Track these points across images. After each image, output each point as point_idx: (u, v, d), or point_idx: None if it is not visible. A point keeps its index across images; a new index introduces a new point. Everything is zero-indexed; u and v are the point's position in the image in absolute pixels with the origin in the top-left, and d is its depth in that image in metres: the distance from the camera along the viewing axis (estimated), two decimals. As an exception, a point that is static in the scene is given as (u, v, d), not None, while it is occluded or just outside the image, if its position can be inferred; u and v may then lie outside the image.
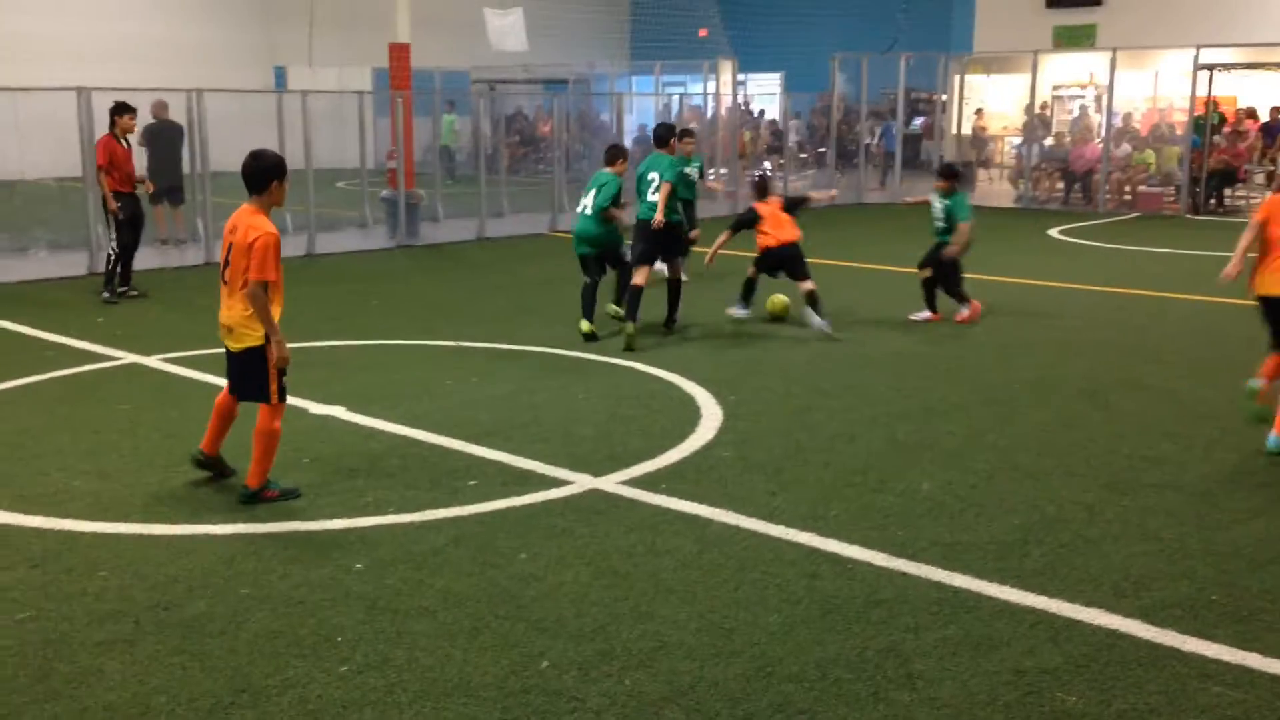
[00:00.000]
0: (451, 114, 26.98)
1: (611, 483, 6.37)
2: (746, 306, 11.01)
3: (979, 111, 26.68)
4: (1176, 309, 11.67)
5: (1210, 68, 20.89)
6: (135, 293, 12.35)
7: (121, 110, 12.07)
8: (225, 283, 5.97)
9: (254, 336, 5.95)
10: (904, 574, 5.16)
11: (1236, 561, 5.30)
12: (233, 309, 5.96)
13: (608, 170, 10.42)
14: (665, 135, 10.83)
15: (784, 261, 10.65)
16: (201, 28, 29.39)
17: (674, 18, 30.12)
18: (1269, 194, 7.42)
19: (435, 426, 7.42)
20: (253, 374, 6.03)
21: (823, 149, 26.78)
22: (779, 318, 11.12)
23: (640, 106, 28.90)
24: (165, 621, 4.73)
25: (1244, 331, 10.40)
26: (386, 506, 6.00)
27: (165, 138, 15.92)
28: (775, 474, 6.54)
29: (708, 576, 5.13)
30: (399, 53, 17.80)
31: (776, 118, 29.88)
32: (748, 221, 10.72)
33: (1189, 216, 20.41)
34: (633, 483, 6.37)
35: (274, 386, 6.03)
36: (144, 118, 16.31)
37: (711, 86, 26.25)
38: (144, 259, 15.18)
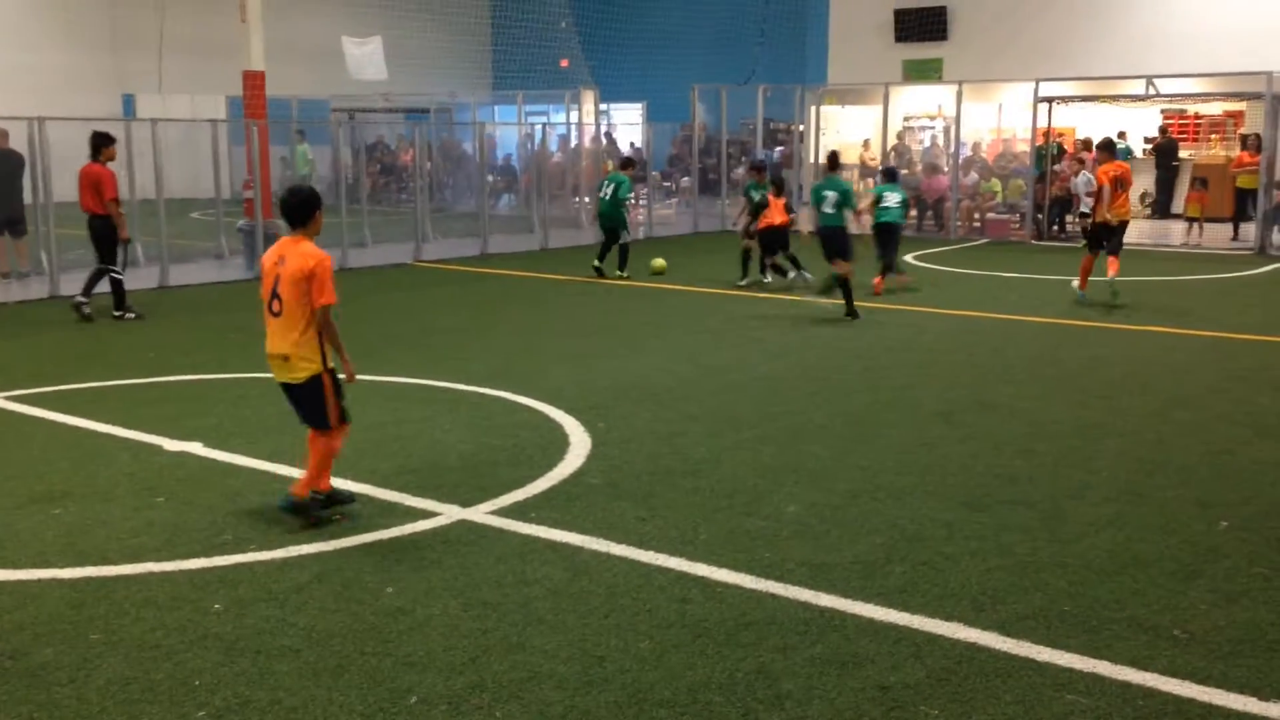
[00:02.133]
0: (303, 143, 26.46)
1: (480, 513, 6.31)
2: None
3: (865, 142, 27.18)
4: (1024, 331, 12.14)
5: (1050, 100, 21.86)
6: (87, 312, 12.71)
7: (108, 140, 12.60)
8: (274, 314, 6.07)
9: (312, 366, 6.09)
10: (772, 595, 5.22)
11: (1086, 573, 5.51)
12: (289, 338, 6.06)
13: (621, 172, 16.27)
14: (835, 159, 13.97)
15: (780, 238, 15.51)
16: (44, 53, 28.26)
17: (535, 47, 30.23)
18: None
19: (297, 461, 7.23)
20: (312, 403, 6.13)
21: (686, 177, 27.13)
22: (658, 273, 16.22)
23: (503, 136, 28.86)
24: (9, 671, 4.50)
25: (1086, 352, 10.88)
26: (246, 544, 5.84)
27: (4, 168, 15.28)
28: (644, 500, 6.57)
29: (578, 604, 5.12)
30: (253, 80, 17.43)
31: (639, 145, 30.15)
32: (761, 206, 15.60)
33: (1033, 242, 21.27)
34: (501, 512, 6.32)
35: (334, 413, 6.17)
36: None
37: (574, 116, 26.39)
38: (-17, 293, 14.53)
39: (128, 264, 12.95)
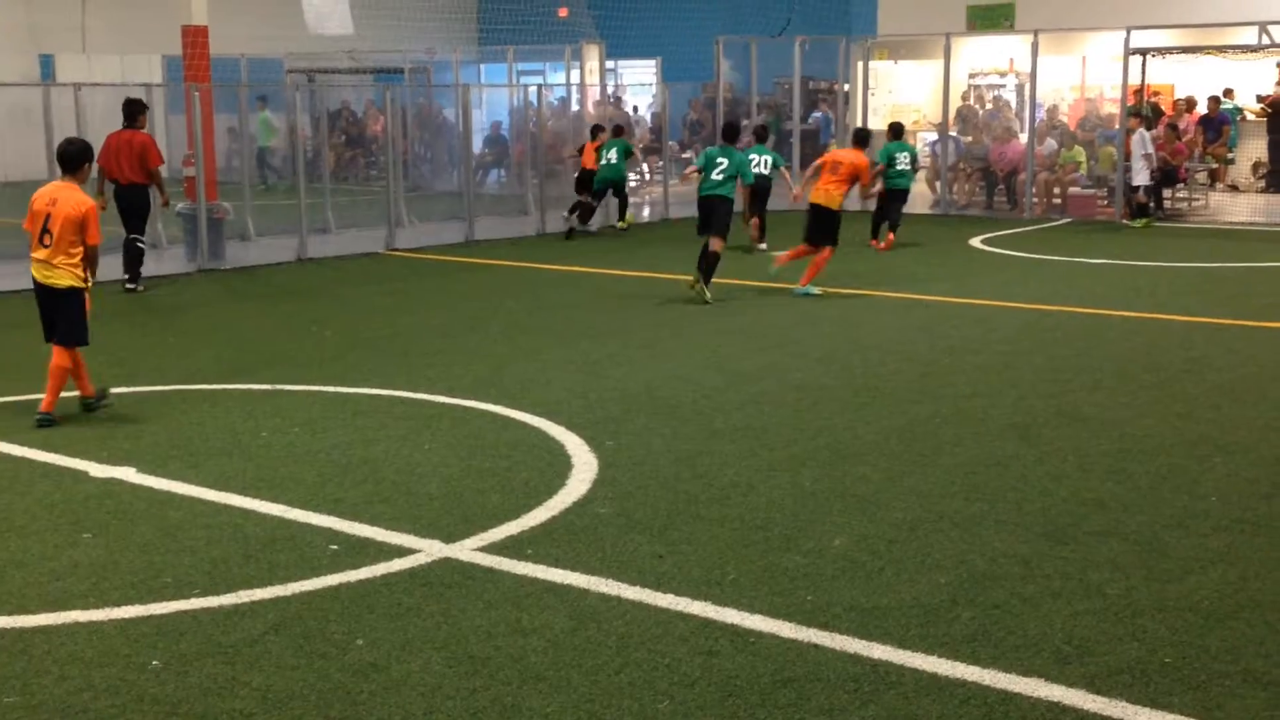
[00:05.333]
0: (265, 110, 26.66)
1: (466, 550, 6.33)
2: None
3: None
4: (1114, 328, 12.10)
5: (1143, 52, 21.78)
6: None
7: (143, 107, 14.60)
8: (44, 246, 8.34)
9: (74, 280, 8.37)
10: (815, 646, 5.22)
11: (1192, 618, 5.49)
12: (55, 260, 8.32)
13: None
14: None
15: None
16: (-55, 9, 28.41)
17: (528, -6, 30.26)
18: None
19: (248, 488, 7.27)
20: (72, 312, 8.37)
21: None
22: None
23: (492, 100, 28.89)
24: (-91, 743, 4.53)
25: (1189, 353, 10.84)
26: (190, 588, 5.86)
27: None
28: (661, 533, 6.57)
29: (584, 658, 5.12)
30: (195, 37, 17.49)
31: (655, 109, 30.17)
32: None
33: (1124, 222, 21.18)
34: (492, 549, 6.34)
35: (86, 329, 8.56)
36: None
37: (576, 76, 26.42)
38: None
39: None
